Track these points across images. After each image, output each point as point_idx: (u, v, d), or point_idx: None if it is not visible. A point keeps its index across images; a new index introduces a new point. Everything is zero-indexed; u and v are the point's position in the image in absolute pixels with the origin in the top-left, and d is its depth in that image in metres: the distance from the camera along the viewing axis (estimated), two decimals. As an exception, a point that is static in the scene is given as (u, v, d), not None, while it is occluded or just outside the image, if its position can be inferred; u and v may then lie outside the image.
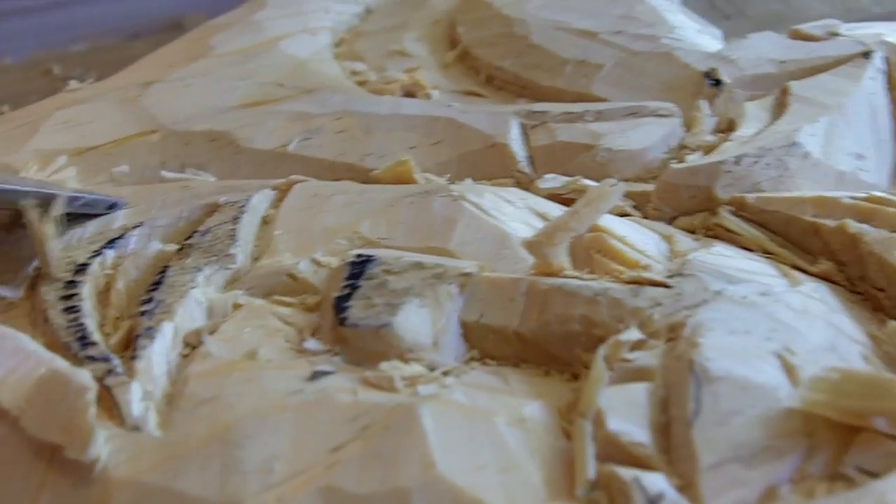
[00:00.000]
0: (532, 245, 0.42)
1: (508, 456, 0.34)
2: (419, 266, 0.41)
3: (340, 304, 0.40)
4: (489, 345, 0.40)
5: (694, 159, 0.51)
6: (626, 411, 0.35)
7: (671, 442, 0.34)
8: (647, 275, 0.40)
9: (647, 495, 0.32)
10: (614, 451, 0.34)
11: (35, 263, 0.45)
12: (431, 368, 0.38)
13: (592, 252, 0.43)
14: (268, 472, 0.33)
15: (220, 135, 0.56)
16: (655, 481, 0.33)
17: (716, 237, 0.48)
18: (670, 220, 0.49)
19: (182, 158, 0.56)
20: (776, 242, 0.46)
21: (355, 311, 0.39)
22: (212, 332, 0.40)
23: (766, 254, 0.46)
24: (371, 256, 0.42)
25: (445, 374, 0.38)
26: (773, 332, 0.38)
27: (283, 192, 0.50)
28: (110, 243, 0.45)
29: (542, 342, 0.40)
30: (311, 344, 0.39)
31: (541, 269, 0.42)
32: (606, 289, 0.40)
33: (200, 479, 0.33)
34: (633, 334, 0.37)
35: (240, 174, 0.55)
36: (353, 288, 0.40)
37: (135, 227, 0.46)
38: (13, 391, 0.37)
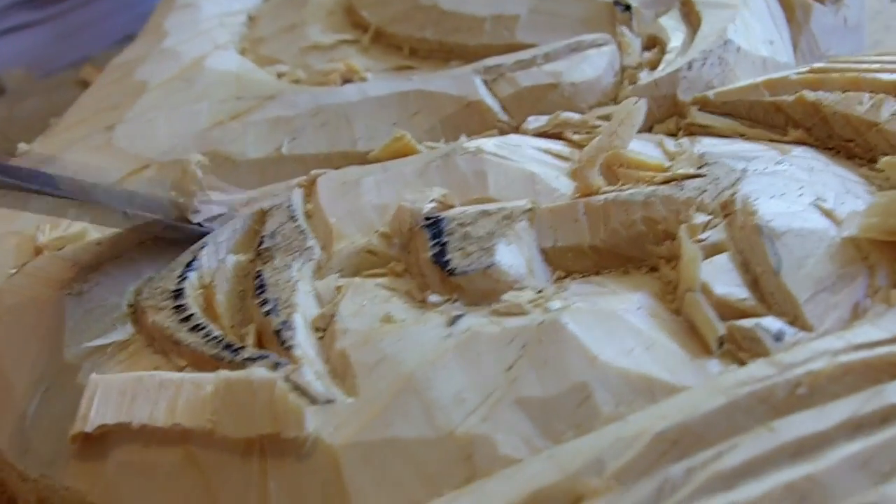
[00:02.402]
0: (577, 172, 0.48)
1: (645, 336, 0.40)
2: (486, 213, 0.47)
3: (441, 260, 0.45)
4: (570, 262, 0.46)
5: (646, 75, 0.59)
6: (722, 278, 0.42)
7: (764, 292, 0.42)
8: (680, 171, 0.47)
9: (771, 333, 0.39)
10: (727, 310, 0.41)
11: (126, 299, 0.48)
12: (538, 292, 0.44)
13: (615, 167, 0.50)
14: (462, 402, 0.38)
15: (211, 154, 0.59)
16: (772, 322, 0.40)
17: (691, 134, 0.55)
18: (648, 130, 0.57)
19: (186, 184, 0.59)
20: (747, 125, 0.54)
21: (456, 261, 0.45)
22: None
23: (742, 137, 0.54)
24: (439, 216, 0.47)
25: (554, 292, 0.44)
26: (802, 189, 0.46)
27: (308, 188, 0.54)
28: (188, 266, 0.49)
29: (614, 248, 0.46)
30: (434, 297, 0.44)
31: (584, 191, 0.48)
32: (654, 190, 0.47)
33: (410, 424, 0.38)
34: (701, 217, 0.44)
35: (246, 185, 0.58)
36: (442, 244, 0.46)
37: (201, 248, 0.50)
38: (189, 414, 0.40)
